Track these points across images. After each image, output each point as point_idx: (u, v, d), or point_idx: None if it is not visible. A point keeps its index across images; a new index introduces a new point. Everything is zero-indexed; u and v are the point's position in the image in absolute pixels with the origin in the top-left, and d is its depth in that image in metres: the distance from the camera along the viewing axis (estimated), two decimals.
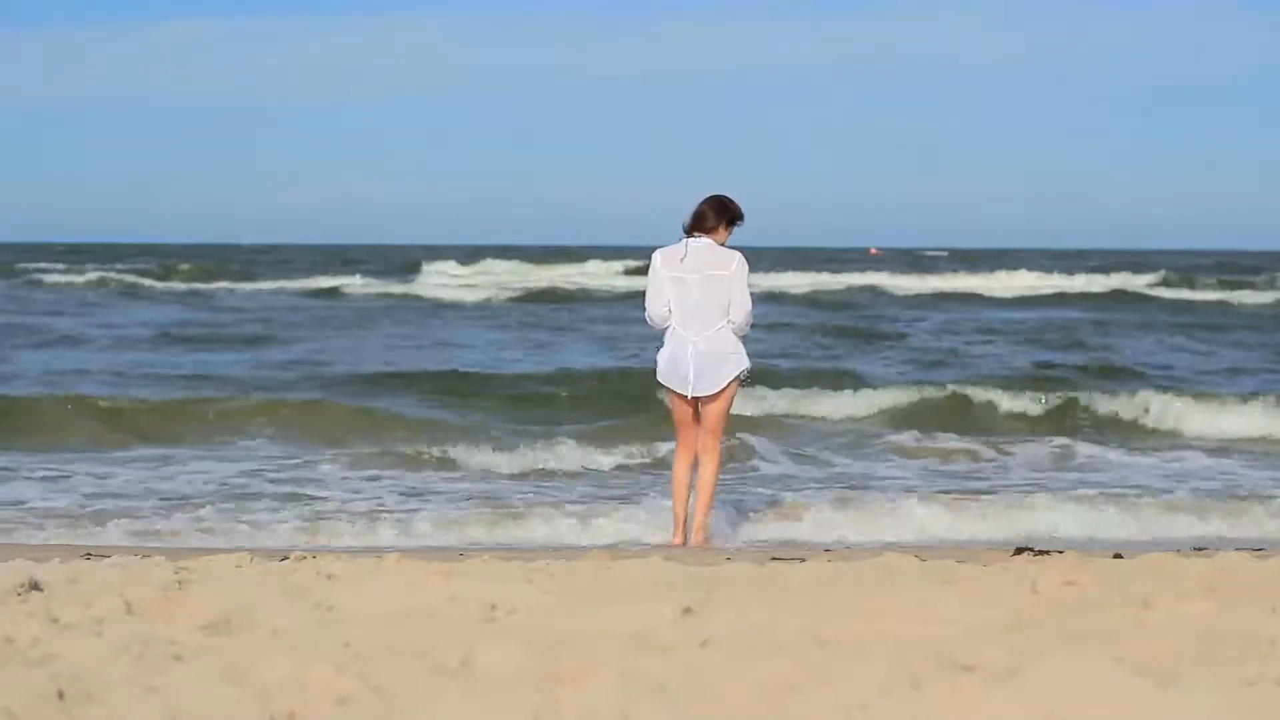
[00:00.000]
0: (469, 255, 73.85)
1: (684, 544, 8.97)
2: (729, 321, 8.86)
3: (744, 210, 9.02)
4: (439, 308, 37.20)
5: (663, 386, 9.09)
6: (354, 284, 48.10)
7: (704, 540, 9.02)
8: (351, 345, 24.44)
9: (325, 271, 57.17)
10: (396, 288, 46.60)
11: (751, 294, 8.99)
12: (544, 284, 48.65)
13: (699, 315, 8.84)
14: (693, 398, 8.96)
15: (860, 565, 6.24)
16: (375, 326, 29.58)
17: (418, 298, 41.65)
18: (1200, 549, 8.40)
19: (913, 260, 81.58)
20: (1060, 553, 7.86)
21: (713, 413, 8.98)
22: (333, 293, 44.13)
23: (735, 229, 9.02)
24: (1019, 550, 8.25)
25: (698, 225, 8.91)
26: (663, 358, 8.98)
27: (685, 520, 9.05)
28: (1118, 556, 7.24)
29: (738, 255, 8.88)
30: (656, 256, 8.96)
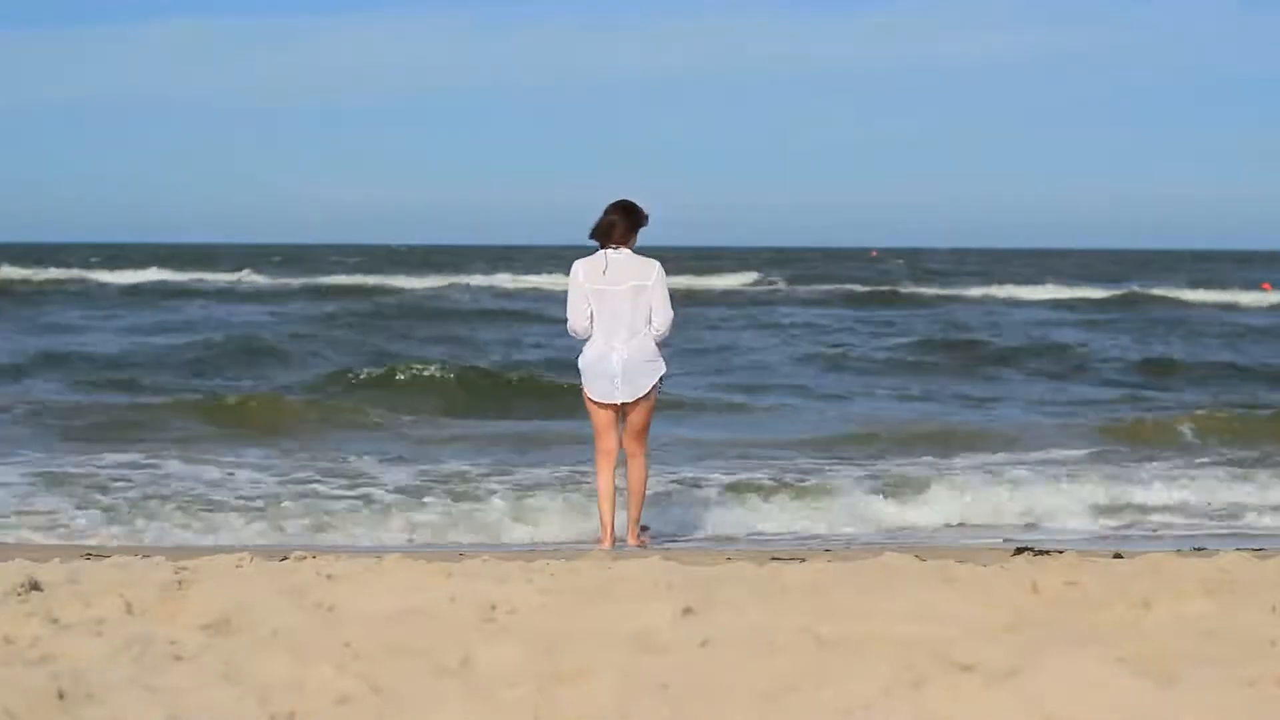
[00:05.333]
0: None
1: (611, 547, 9.12)
2: (651, 329, 9.12)
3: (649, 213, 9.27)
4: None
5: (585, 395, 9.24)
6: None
7: (638, 538, 9.28)
8: None
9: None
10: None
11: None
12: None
13: (623, 324, 9.08)
14: (619, 404, 9.15)
15: (860, 565, 6.24)
16: None
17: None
18: (1200, 549, 8.41)
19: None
20: (1060, 553, 7.86)
21: (639, 417, 9.23)
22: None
23: (640, 232, 9.24)
24: (1019, 550, 8.26)
25: (609, 237, 9.14)
26: (587, 369, 9.19)
27: (613, 525, 9.25)
28: (1118, 556, 7.25)
29: (657, 264, 9.19)
30: (578, 268, 9.18)
